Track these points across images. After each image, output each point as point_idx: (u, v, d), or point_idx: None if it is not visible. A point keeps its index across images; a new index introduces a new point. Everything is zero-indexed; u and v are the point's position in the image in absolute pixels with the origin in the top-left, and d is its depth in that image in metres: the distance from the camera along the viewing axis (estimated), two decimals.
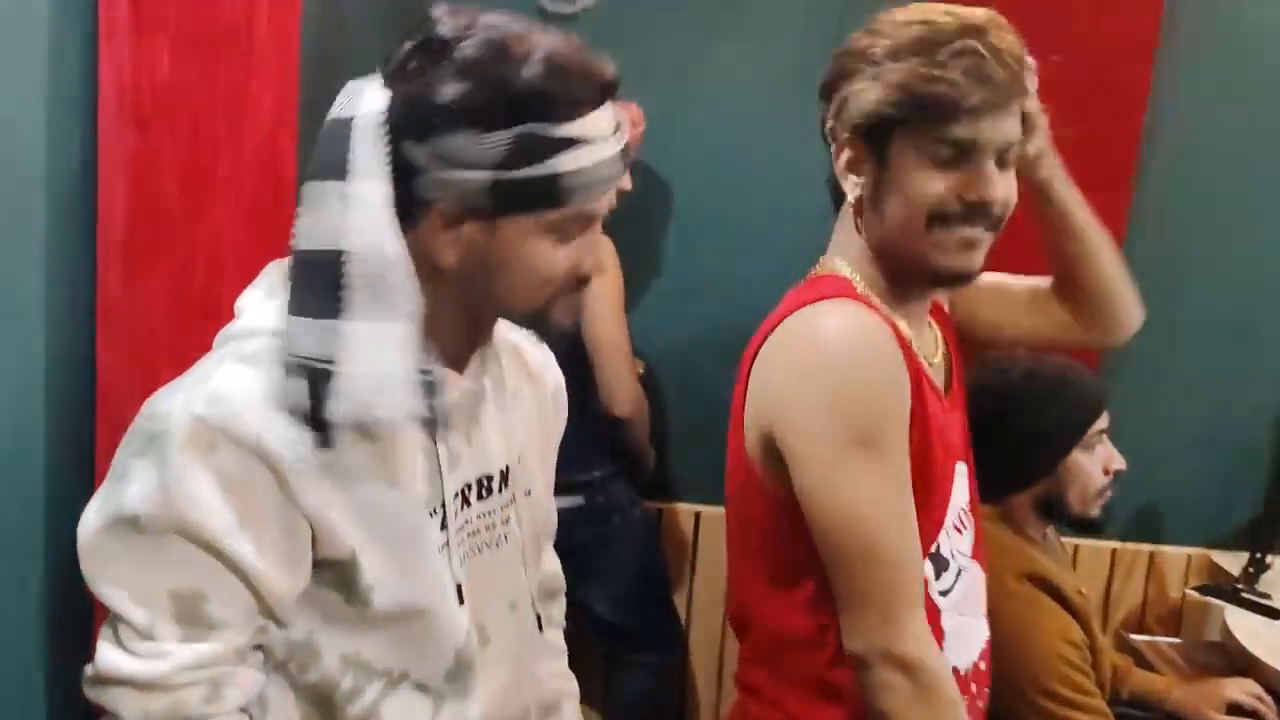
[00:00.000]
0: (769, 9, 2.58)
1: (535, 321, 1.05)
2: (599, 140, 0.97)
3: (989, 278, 1.33)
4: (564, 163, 0.95)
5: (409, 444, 1.02)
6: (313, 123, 1.04)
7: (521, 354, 1.23)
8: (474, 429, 1.10)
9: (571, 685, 1.33)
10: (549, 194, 0.96)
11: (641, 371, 2.42)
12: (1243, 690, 1.98)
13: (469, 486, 1.10)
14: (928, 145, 1.15)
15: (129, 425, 0.98)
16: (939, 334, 1.35)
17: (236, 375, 0.95)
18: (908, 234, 1.18)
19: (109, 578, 0.94)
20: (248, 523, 0.93)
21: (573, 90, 0.95)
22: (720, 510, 1.34)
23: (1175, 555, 2.71)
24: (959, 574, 1.28)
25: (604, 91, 0.98)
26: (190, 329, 1.10)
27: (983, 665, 1.34)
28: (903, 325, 1.23)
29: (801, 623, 1.22)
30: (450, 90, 0.93)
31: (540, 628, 1.21)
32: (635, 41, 2.57)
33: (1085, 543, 2.65)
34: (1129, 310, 1.41)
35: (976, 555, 1.35)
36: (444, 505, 1.05)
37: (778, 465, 1.18)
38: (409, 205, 0.96)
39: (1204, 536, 2.70)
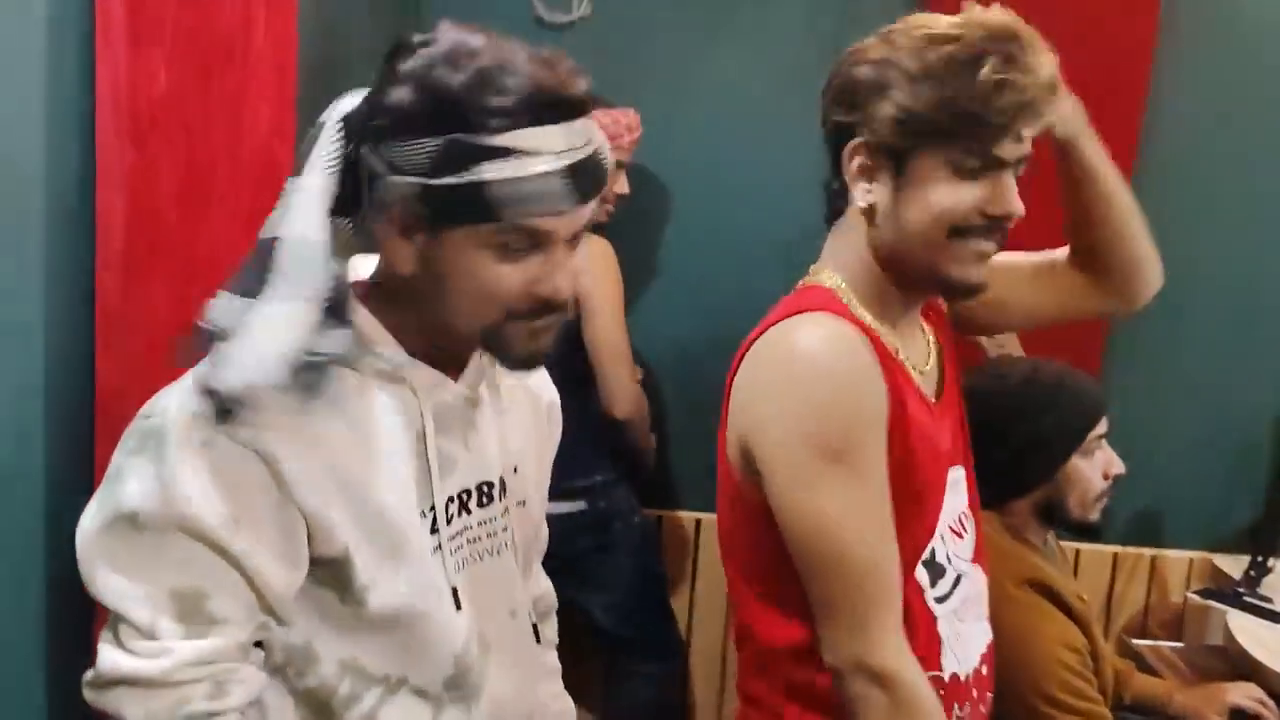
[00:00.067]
0: (766, 14, 2.59)
1: (489, 342, 1.03)
2: (537, 154, 0.93)
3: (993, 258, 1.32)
4: (490, 172, 0.93)
5: (400, 444, 1.03)
6: None
7: None
8: (472, 435, 1.10)
9: (569, 705, 1.33)
10: (477, 205, 0.94)
11: (640, 377, 2.43)
12: (1245, 694, 1.97)
13: (468, 493, 1.10)
14: (955, 157, 1.15)
15: None
16: (932, 340, 1.35)
17: None
18: (926, 244, 1.18)
19: (108, 577, 0.94)
20: (245, 518, 0.94)
21: (507, 101, 0.93)
22: None
23: (1176, 559, 2.71)
24: (958, 579, 1.28)
25: (556, 108, 0.95)
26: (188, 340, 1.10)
27: (984, 670, 1.33)
28: (889, 335, 1.24)
29: (791, 633, 1.22)
30: (393, 96, 0.94)
31: (538, 639, 1.21)
32: (633, 47, 2.59)
33: (1086, 547, 2.65)
34: (1154, 271, 1.37)
35: (978, 559, 1.35)
36: (434, 508, 1.05)
37: (755, 476, 1.19)
38: (373, 210, 0.98)
39: (1205, 540, 2.70)
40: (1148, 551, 2.72)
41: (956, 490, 1.31)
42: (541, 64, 0.95)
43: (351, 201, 0.99)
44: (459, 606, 1.06)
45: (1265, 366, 2.64)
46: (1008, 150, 1.15)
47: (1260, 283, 2.61)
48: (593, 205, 1.00)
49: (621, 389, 2.28)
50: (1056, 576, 1.73)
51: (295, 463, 0.95)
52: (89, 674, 0.97)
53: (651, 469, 2.56)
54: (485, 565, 1.12)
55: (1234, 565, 2.53)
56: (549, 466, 1.29)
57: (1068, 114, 1.23)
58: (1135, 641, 2.52)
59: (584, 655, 2.47)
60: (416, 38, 0.97)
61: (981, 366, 1.80)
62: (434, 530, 1.05)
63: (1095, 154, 1.28)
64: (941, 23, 1.17)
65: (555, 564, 1.35)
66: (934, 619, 1.24)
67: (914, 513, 1.21)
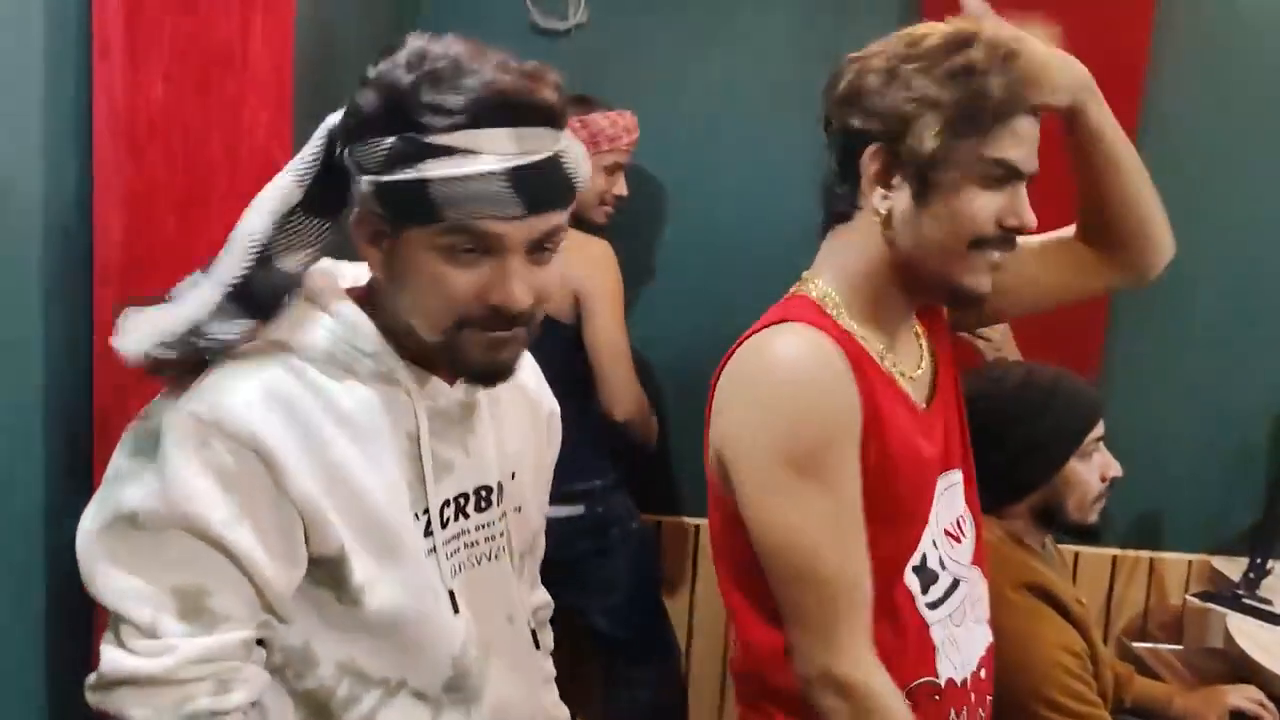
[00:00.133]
0: (759, 19, 2.60)
1: (446, 351, 1.03)
2: (479, 154, 0.94)
3: None
4: (433, 170, 0.93)
5: (394, 447, 1.03)
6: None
7: (517, 374, 1.23)
8: (470, 439, 1.11)
9: (564, 713, 1.34)
10: (422, 203, 0.94)
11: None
12: (1245, 696, 1.98)
13: (464, 497, 1.10)
14: (980, 166, 1.15)
15: None
16: (926, 345, 1.35)
17: (229, 373, 0.98)
18: (945, 252, 1.18)
19: (109, 577, 0.95)
20: (245, 515, 0.95)
21: (455, 101, 0.93)
22: None
23: (1176, 561, 2.71)
24: (954, 584, 1.28)
25: (509, 111, 0.95)
26: None
27: (983, 674, 1.33)
28: (878, 342, 1.24)
29: (773, 637, 1.23)
30: (359, 99, 0.97)
31: (537, 644, 1.22)
32: (630, 53, 2.61)
33: (1086, 550, 2.66)
34: (1166, 239, 1.36)
35: (977, 562, 1.36)
36: (428, 511, 1.06)
37: (730, 483, 1.20)
38: (350, 211, 1.01)
39: (1204, 542, 2.70)
40: (1147, 554, 2.72)
41: (952, 494, 1.31)
42: (506, 70, 0.96)
43: (335, 203, 1.02)
44: (456, 610, 1.07)
45: (1263, 368, 2.64)
46: (1025, 163, 1.16)
47: (1257, 284, 2.62)
48: (556, 218, 0.99)
49: (622, 390, 2.28)
50: (1055, 580, 1.74)
51: (291, 462, 0.96)
52: (91, 677, 0.97)
53: (653, 451, 2.56)
54: (482, 570, 1.12)
55: (1233, 568, 2.53)
56: (548, 475, 1.29)
57: (1067, 82, 1.21)
58: (1135, 644, 2.52)
59: (582, 659, 2.47)
60: (395, 44, 0.98)
61: (978, 370, 1.81)
62: (428, 533, 1.06)
63: (1102, 117, 1.26)
64: (953, 32, 1.17)
65: (553, 568, 1.36)
66: (926, 625, 1.24)
67: (897, 519, 1.21)
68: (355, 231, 1.02)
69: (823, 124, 1.26)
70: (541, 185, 0.96)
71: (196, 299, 0.99)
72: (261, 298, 1.01)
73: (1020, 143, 1.17)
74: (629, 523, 2.43)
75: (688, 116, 2.62)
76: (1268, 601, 2.36)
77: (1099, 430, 1.76)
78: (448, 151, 0.93)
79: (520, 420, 1.21)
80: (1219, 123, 2.56)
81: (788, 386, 1.15)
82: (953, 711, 1.26)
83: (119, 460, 0.97)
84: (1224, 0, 2.54)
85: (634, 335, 2.35)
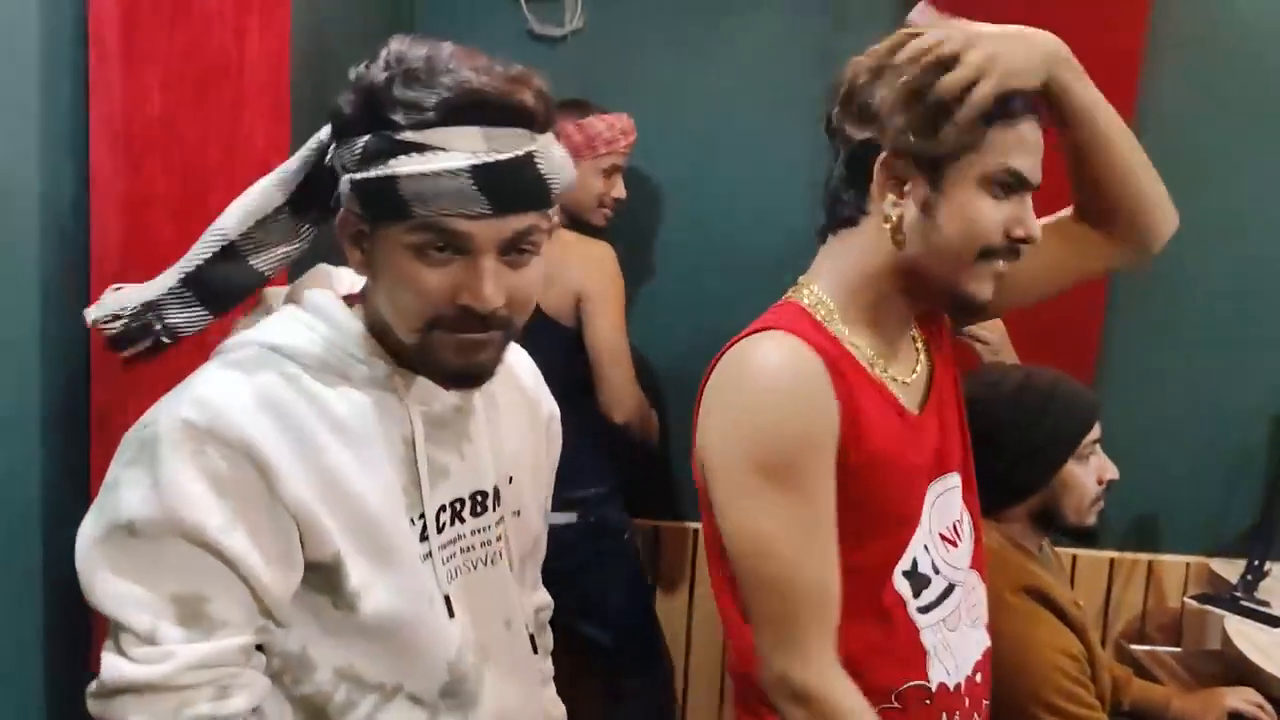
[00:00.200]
0: (753, 24, 2.61)
1: (420, 354, 1.03)
2: (446, 151, 0.94)
3: None
4: (402, 166, 0.94)
5: (389, 451, 1.04)
6: None
7: (517, 378, 1.24)
8: (465, 444, 1.11)
9: (561, 711, 1.34)
10: (391, 199, 0.95)
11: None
12: (1243, 698, 1.98)
13: (460, 502, 1.11)
14: (992, 173, 1.16)
15: None
16: (923, 350, 1.35)
17: (222, 379, 0.99)
18: (954, 260, 1.19)
19: (108, 585, 0.95)
20: (241, 520, 0.95)
21: (424, 98, 0.94)
22: None
23: (1174, 564, 2.71)
24: (949, 589, 1.28)
25: (480, 109, 0.95)
26: (182, 360, 1.10)
27: (979, 678, 1.33)
28: (869, 348, 1.24)
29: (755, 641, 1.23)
30: (339, 100, 0.98)
31: (535, 649, 1.22)
32: (627, 59, 2.62)
33: (1083, 553, 2.66)
34: (1166, 212, 1.34)
35: (976, 566, 1.36)
36: (423, 516, 1.06)
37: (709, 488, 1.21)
38: (338, 212, 1.03)
39: (1202, 545, 2.70)
40: (1145, 557, 2.72)
41: (948, 498, 1.31)
42: (485, 71, 0.96)
43: (323, 206, 1.06)
44: (451, 614, 1.07)
45: (1260, 370, 2.65)
46: (1031, 173, 1.17)
47: (1254, 286, 2.62)
48: (530, 219, 0.99)
49: (621, 391, 2.29)
50: (1053, 583, 1.74)
51: (285, 467, 0.96)
52: (93, 685, 0.97)
53: (654, 457, 2.55)
54: (479, 575, 1.13)
55: (1231, 570, 2.53)
56: (548, 478, 1.29)
57: (1030, 64, 1.18)
58: (1133, 647, 2.52)
59: (578, 670, 2.47)
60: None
61: (975, 374, 1.81)
62: (424, 538, 1.06)
63: (1083, 90, 1.24)
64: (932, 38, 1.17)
65: (545, 576, 1.36)
66: (916, 629, 1.24)
67: (883, 523, 1.22)
68: (339, 233, 1.03)
69: (824, 127, 1.25)
70: (511, 184, 0.96)
71: (158, 280, 1.05)
72: (214, 287, 1.05)
73: (1027, 152, 1.17)
74: (621, 533, 2.43)
75: (685, 120, 2.63)
76: (1265, 604, 2.36)
77: (1096, 433, 1.76)
78: (418, 148, 0.94)
79: (518, 421, 1.21)
80: (1214, 122, 2.56)
81: (763, 395, 1.16)
82: (944, 715, 1.26)
83: (116, 469, 0.98)
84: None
85: (633, 336, 2.36)
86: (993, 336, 2.08)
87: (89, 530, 0.97)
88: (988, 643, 1.37)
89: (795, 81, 2.57)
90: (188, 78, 1.38)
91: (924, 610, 1.25)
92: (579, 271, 2.24)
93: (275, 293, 1.11)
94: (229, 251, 1.05)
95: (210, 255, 1.04)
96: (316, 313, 1.05)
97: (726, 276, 2.62)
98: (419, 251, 0.97)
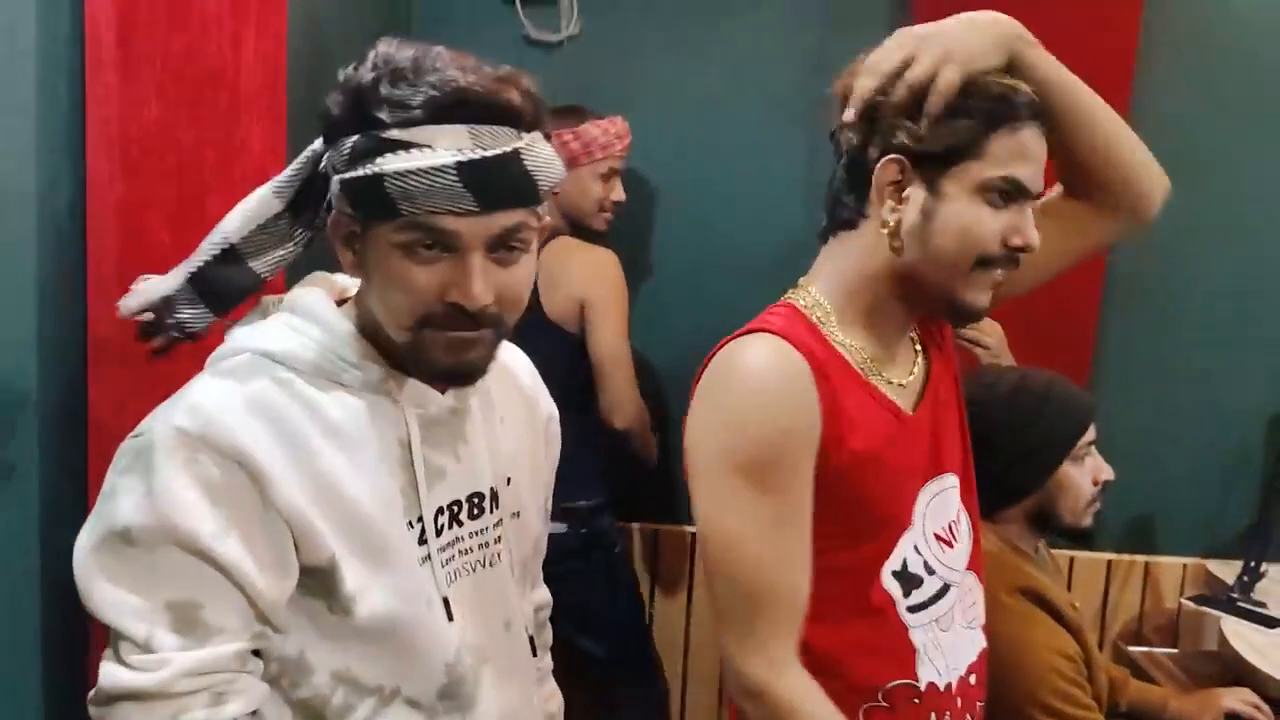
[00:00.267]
0: (751, 29, 2.62)
1: (411, 354, 1.03)
2: (431, 149, 0.94)
3: None
4: (388, 164, 0.94)
5: (385, 455, 1.04)
6: None
7: (514, 377, 1.24)
8: (461, 446, 1.11)
9: (559, 701, 1.35)
10: (379, 198, 0.95)
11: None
12: (1240, 699, 1.98)
13: (458, 504, 1.11)
14: (991, 181, 1.16)
15: None
16: (921, 352, 1.35)
17: (215, 387, 0.99)
18: (950, 268, 1.19)
19: (104, 593, 0.95)
20: (235, 527, 0.96)
21: (410, 97, 0.94)
22: None
23: (1170, 565, 2.72)
24: (943, 589, 1.28)
25: (466, 108, 0.95)
26: (179, 363, 1.11)
27: (973, 679, 1.33)
28: (864, 351, 1.25)
29: None
30: (328, 102, 0.99)
31: (534, 651, 1.22)
32: (623, 64, 2.62)
33: (1081, 554, 2.66)
34: (1155, 174, 1.35)
35: (974, 567, 1.36)
36: (421, 519, 1.06)
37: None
38: (330, 215, 1.04)
39: (1199, 546, 2.70)
40: (1141, 558, 2.72)
41: (944, 499, 1.31)
42: (472, 71, 0.97)
43: (317, 211, 1.06)
44: (450, 617, 1.07)
45: (1256, 371, 2.65)
46: (1030, 182, 1.17)
47: (1250, 287, 2.62)
48: (517, 215, 0.99)
49: (622, 396, 2.29)
50: (1049, 585, 1.74)
51: (277, 473, 0.97)
52: (92, 692, 0.98)
53: (654, 469, 2.56)
54: (478, 577, 1.13)
55: (1228, 571, 2.53)
56: (548, 478, 1.29)
57: (985, 45, 1.18)
58: (1130, 648, 2.53)
59: (572, 681, 2.47)
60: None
61: (972, 375, 1.81)
62: (422, 541, 1.06)
63: (1044, 63, 1.23)
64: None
65: None
66: (906, 628, 1.25)
67: (870, 523, 1.22)
68: (331, 234, 1.04)
69: (831, 138, 1.26)
70: (497, 181, 0.96)
71: (171, 276, 1.08)
72: (216, 287, 1.07)
73: (1028, 160, 1.17)
74: (612, 547, 2.43)
75: (682, 123, 2.63)
76: (1262, 604, 2.36)
77: (1091, 434, 1.76)
78: (405, 146, 0.94)
79: (516, 420, 1.21)
80: (1210, 121, 2.56)
81: (744, 396, 1.17)
82: (933, 715, 1.26)
83: (113, 477, 0.98)
84: None
85: (632, 338, 2.36)
86: (991, 340, 2.09)
87: (86, 538, 0.97)
88: (984, 644, 1.37)
89: (791, 84, 2.57)
90: (184, 82, 1.38)
91: (914, 610, 1.25)
92: (582, 278, 2.24)
93: (271, 300, 1.12)
94: (231, 254, 1.06)
95: (213, 256, 1.07)
96: (307, 315, 1.05)
97: (725, 278, 2.62)
98: (408, 250, 0.97)
